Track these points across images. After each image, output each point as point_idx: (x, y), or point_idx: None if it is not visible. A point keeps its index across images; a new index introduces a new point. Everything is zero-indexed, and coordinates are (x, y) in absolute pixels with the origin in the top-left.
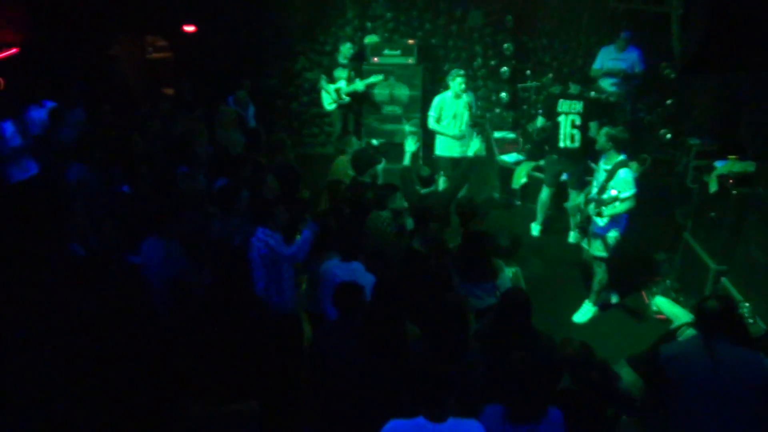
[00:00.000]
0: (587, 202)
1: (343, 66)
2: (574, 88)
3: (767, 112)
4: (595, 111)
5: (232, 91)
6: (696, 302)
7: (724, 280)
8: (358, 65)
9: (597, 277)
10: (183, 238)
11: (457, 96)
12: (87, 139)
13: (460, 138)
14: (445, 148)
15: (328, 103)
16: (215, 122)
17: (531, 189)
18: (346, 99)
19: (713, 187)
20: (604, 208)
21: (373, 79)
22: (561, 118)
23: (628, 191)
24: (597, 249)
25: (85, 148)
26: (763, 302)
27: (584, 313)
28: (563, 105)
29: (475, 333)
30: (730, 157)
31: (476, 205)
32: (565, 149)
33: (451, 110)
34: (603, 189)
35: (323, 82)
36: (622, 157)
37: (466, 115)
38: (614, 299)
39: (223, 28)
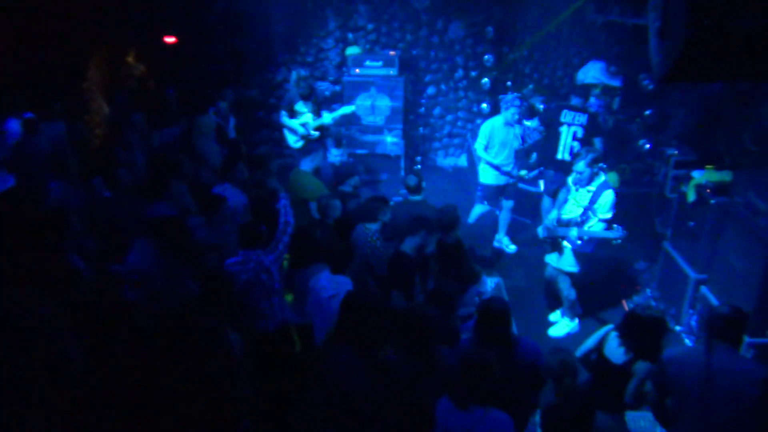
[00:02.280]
0: (563, 223)
1: (305, 99)
2: (575, 100)
3: (743, 122)
4: (595, 127)
5: (213, 102)
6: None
7: (703, 288)
8: (317, 99)
9: (563, 293)
10: (168, 242)
11: (509, 124)
12: (65, 154)
13: (508, 166)
14: (490, 176)
15: (294, 140)
16: (194, 132)
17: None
18: (315, 134)
19: (692, 197)
20: (578, 230)
21: (342, 111)
22: (563, 129)
23: (608, 214)
24: (567, 264)
25: (64, 163)
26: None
27: (561, 328)
28: (567, 115)
29: (461, 344)
30: (707, 166)
31: (458, 216)
32: (562, 161)
33: (499, 138)
34: (586, 211)
35: (284, 119)
36: (603, 178)
37: (515, 144)
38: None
39: (203, 39)
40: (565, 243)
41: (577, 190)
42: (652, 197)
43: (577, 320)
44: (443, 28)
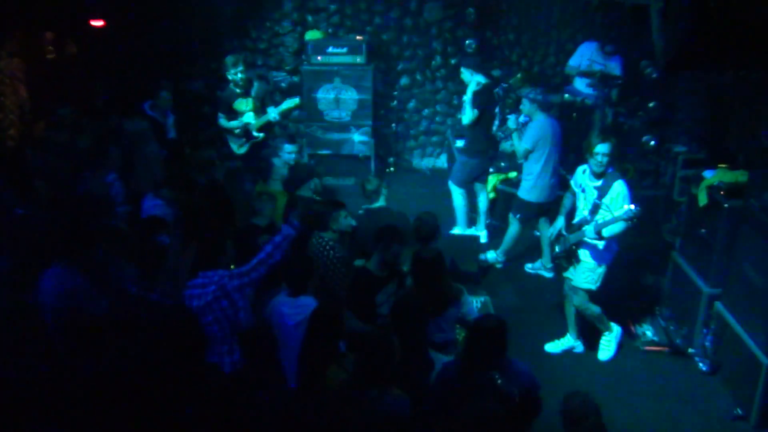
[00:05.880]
0: (573, 227)
1: (243, 95)
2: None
3: (757, 115)
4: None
5: (149, 95)
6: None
7: (718, 304)
8: (264, 87)
9: (594, 313)
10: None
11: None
12: None
13: None
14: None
15: (238, 146)
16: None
17: (500, 206)
18: (260, 135)
19: (703, 200)
20: (604, 230)
21: (286, 105)
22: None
23: (627, 205)
24: (584, 281)
25: None
26: (762, 328)
27: (606, 351)
28: None
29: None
30: (720, 165)
31: (438, 225)
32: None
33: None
34: (597, 207)
35: (223, 121)
36: (611, 169)
37: None
38: (579, 348)
39: (137, 23)
40: (580, 252)
41: (583, 190)
42: (658, 201)
43: (616, 343)
44: (417, 9)
